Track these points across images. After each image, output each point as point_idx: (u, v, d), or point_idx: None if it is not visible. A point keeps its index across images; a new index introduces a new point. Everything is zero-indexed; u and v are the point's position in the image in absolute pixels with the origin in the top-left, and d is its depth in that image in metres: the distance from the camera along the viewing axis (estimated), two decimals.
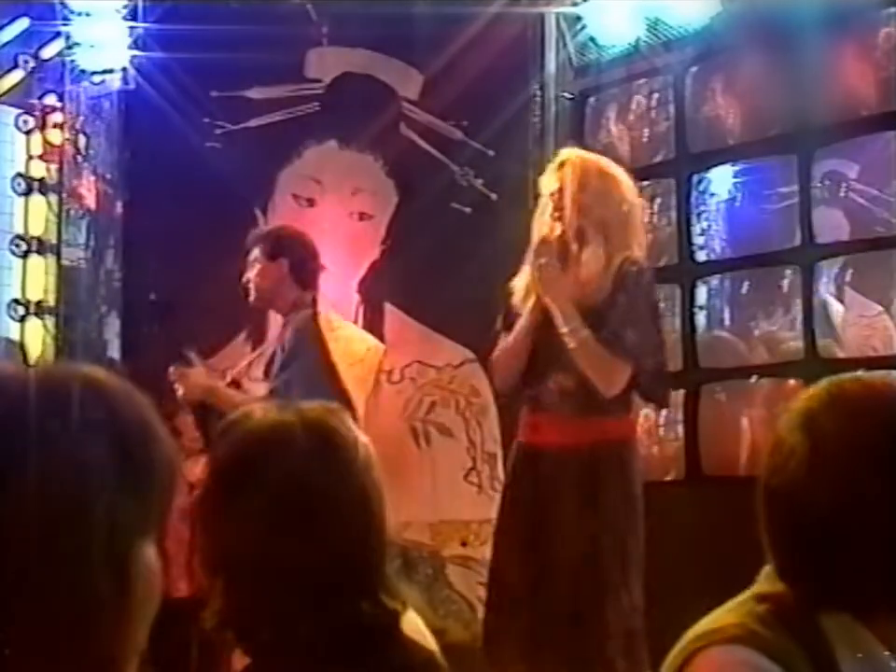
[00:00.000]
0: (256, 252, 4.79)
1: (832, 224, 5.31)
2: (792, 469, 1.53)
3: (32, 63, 6.40)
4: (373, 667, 1.69)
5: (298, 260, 4.77)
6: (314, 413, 1.78)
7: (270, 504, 1.69)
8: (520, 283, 4.01)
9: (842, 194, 5.38)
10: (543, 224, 3.94)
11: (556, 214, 3.90)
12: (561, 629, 3.67)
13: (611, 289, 3.82)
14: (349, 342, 5.26)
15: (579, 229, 3.88)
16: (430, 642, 1.85)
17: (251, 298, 4.81)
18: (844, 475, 1.50)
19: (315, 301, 4.80)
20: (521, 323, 3.93)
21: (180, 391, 4.70)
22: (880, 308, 5.43)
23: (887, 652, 1.52)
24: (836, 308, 5.53)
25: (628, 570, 3.71)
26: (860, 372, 4.43)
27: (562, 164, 3.96)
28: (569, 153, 4.05)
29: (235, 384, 4.84)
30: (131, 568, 1.12)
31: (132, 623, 1.13)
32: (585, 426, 3.81)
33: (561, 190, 3.91)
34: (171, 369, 4.69)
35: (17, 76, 6.47)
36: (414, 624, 1.82)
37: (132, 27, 6.31)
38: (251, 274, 4.78)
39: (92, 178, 6.58)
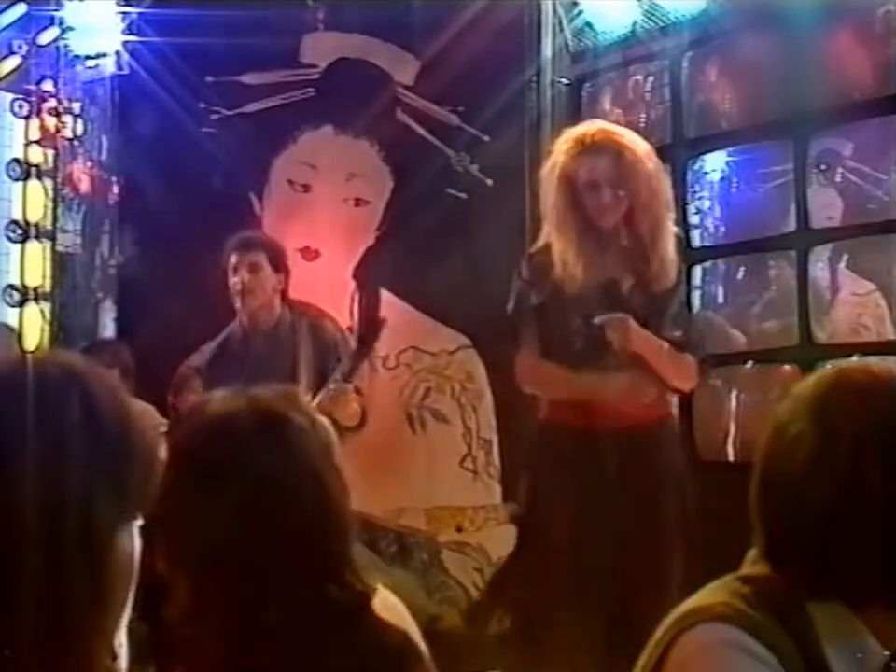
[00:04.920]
0: (258, 258, 4.77)
1: (825, 203, 5.31)
2: (799, 456, 1.53)
3: (27, 49, 6.39)
4: (343, 650, 1.69)
5: (288, 278, 4.86)
6: (263, 398, 1.77)
7: (218, 493, 1.68)
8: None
9: (837, 173, 5.39)
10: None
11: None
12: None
13: (675, 280, 3.78)
14: None
15: (626, 215, 3.83)
16: (408, 622, 1.84)
17: (240, 302, 4.76)
18: (852, 465, 1.50)
19: (305, 305, 4.82)
20: None
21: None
22: (872, 286, 5.44)
23: (875, 641, 1.52)
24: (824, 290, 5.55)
25: (671, 552, 3.70)
26: (862, 359, 4.44)
27: (597, 146, 3.83)
28: (598, 131, 3.89)
29: None
30: (106, 555, 1.12)
31: (105, 609, 1.13)
32: (623, 409, 3.78)
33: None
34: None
35: (14, 61, 6.46)
36: (390, 604, 1.81)
37: (125, 11, 6.30)
38: (247, 278, 4.75)
39: (87, 164, 6.57)
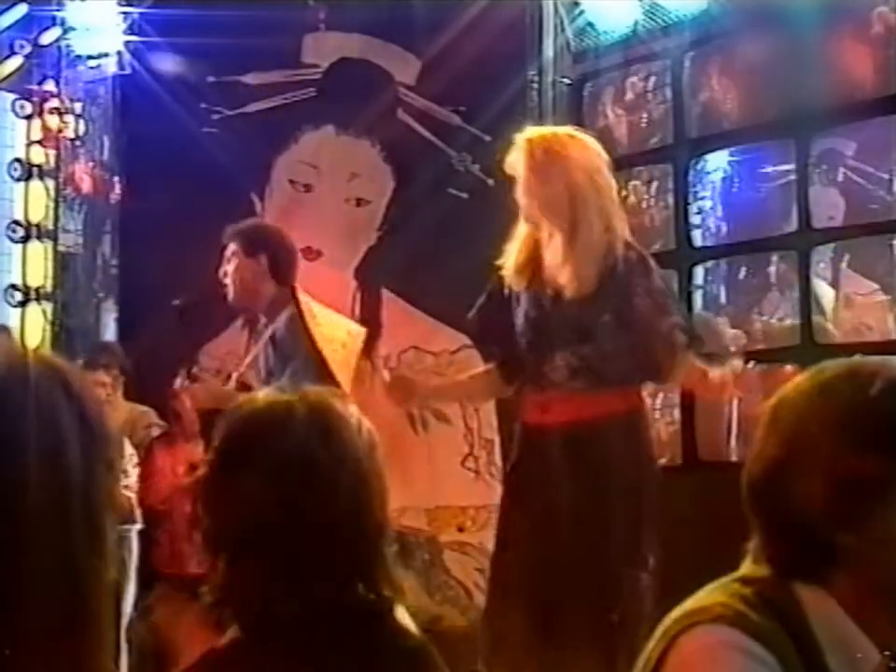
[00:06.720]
0: (233, 247, 4.65)
1: (827, 203, 5.31)
2: (770, 454, 1.55)
3: (29, 49, 6.39)
4: (361, 650, 1.70)
5: (276, 257, 4.64)
6: (315, 394, 1.81)
7: (267, 481, 1.71)
8: (507, 255, 3.92)
9: (839, 173, 5.39)
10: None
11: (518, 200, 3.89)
12: (576, 609, 3.66)
13: (608, 284, 3.76)
14: (331, 328, 5.21)
15: (532, 214, 3.85)
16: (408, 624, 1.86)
17: (229, 294, 4.71)
18: (824, 459, 1.51)
19: (295, 296, 4.71)
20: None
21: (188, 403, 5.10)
22: (875, 286, 5.44)
23: (870, 643, 1.52)
24: (826, 290, 5.55)
25: (645, 544, 3.71)
26: (857, 356, 4.43)
27: (515, 149, 3.87)
28: (522, 135, 3.92)
29: (244, 385, 4.79)
30: (105, 537, 1.15)
31: (108, 590, 1.15)
32: (595, 400, 3.79)
33: (515, 177, 3.85)
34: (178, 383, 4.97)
35: (16, 61, 6.46)
36: (401, 615, 1.83)
37: (126, 12, 6.31)
38: (228, 269, 4.64)
39: (89, 164, 6.58)
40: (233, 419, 1.83)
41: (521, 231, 3.91)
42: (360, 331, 5.34)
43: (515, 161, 3.86)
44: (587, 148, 3.88)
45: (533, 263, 3.87)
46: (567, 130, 4.06)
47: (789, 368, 5.09)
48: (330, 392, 1.84)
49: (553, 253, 3.80)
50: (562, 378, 3.79)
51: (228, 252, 4.67)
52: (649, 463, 3.86)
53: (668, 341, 3.82)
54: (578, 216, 3.77)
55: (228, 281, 4.65)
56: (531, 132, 3.99)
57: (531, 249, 3.87)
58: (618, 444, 3.77)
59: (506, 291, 3.91)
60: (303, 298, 4.69)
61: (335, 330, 5.08)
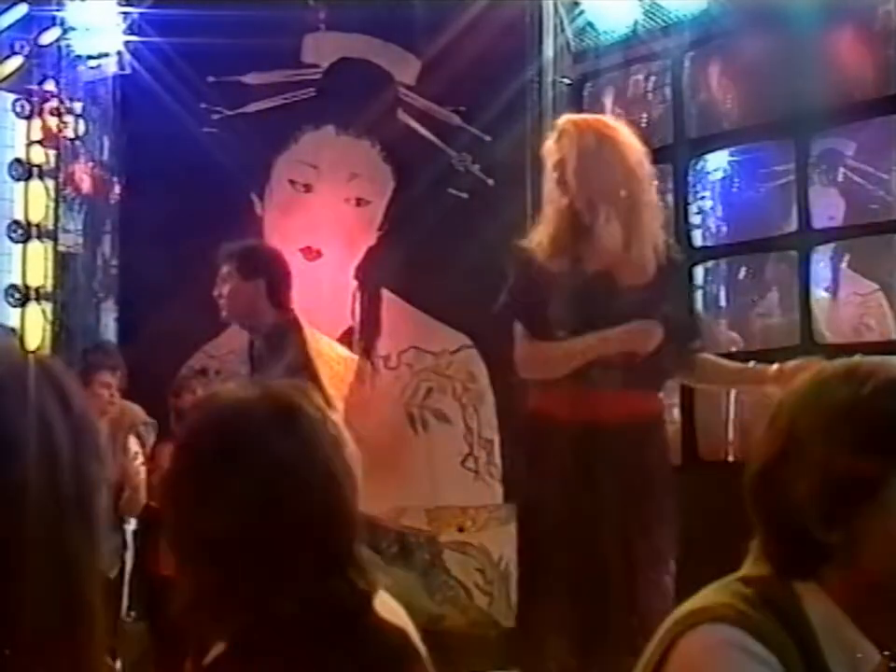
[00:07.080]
0: (229, 268, 4.61)
1: (827, 203, 5.32)
2: (767, 453, 1.56)
3: (29, 49, 6.40)
4: (343, 647, 1.69)
5: (274, 281, 4.61)
6: (278, 389, 1.78)
7: (229, 477, 1.69)
8: (542, 238, 3.75)
9: (839, 173, 5.39)
10: (552, 193, 3.82)
11: (561, 185, 3.78)
12: (613, 604, 3.63)
13: (660, 276, 3.71)
14: (328, 358, 5.16)
15: (584, 198, 3.77)
16: (405, 622, 1.85)
17: (224, 315, 4.68)
18: (817, 459, 1.52)
19: (297, 322, 4.64)
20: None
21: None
22: (875, 286, 5.45)
23: (869, 643, 1.52)
24: (825, 290, 5.56)
25: (667, 546, 3.70)
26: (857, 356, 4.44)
27: (561, 133, 3.79)
28: (568, 120, 3.87)
29: None
30: (99, 535, 1.15)
31: (103, 588, 1.16)
32: (631, 399, 3.72)
33: (562, 161, 3.75)
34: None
35: (16, 61, 6.47)
36: (388, 605, 1.81)
37: (126, 12, 6.31)
38: (224, 291, 4.61)
39: (89, 164, 6.58)
40: (196, 420, 1.81)
41: (552, 213, 3.76)
42: (352, 360, 5.29)
43: (559, 146, 3.75)
44: (632, 135, 3.85)
45: (572, 249, 3.73)
46: (606, 117, 4.07)
47: None
48: (293, 386, 1.81)
49: (611, 239, 3.69)
50: (600, 374, 3.69)
51: (223, 272, 4.63)
52: (669, 464, 3.86)
53: (693, 358, 3.84)
54: (637, 200, 3.71)
55: (223, 302, 4.62)
56: (574, 117, 3.97)
57: (572, 232, 3.72)
58: (649, 445, 3.74)
59: (534, 270, 3.75)
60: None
61: (331, 362, 5.03)
